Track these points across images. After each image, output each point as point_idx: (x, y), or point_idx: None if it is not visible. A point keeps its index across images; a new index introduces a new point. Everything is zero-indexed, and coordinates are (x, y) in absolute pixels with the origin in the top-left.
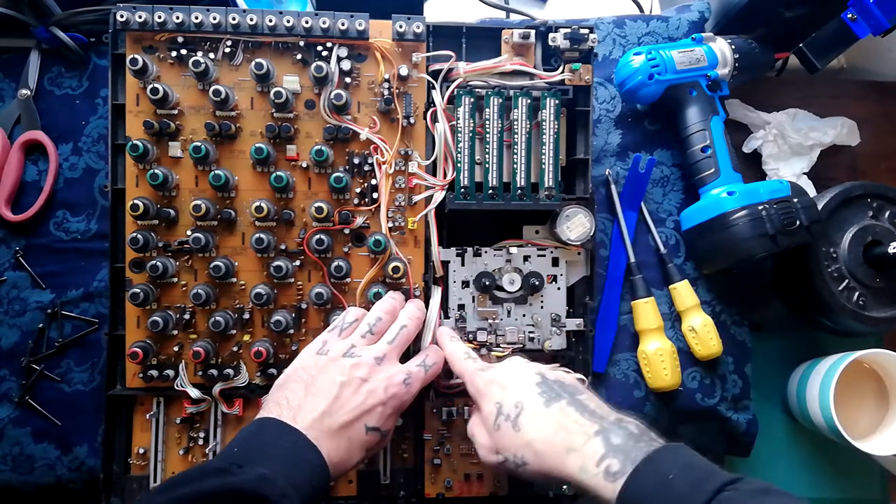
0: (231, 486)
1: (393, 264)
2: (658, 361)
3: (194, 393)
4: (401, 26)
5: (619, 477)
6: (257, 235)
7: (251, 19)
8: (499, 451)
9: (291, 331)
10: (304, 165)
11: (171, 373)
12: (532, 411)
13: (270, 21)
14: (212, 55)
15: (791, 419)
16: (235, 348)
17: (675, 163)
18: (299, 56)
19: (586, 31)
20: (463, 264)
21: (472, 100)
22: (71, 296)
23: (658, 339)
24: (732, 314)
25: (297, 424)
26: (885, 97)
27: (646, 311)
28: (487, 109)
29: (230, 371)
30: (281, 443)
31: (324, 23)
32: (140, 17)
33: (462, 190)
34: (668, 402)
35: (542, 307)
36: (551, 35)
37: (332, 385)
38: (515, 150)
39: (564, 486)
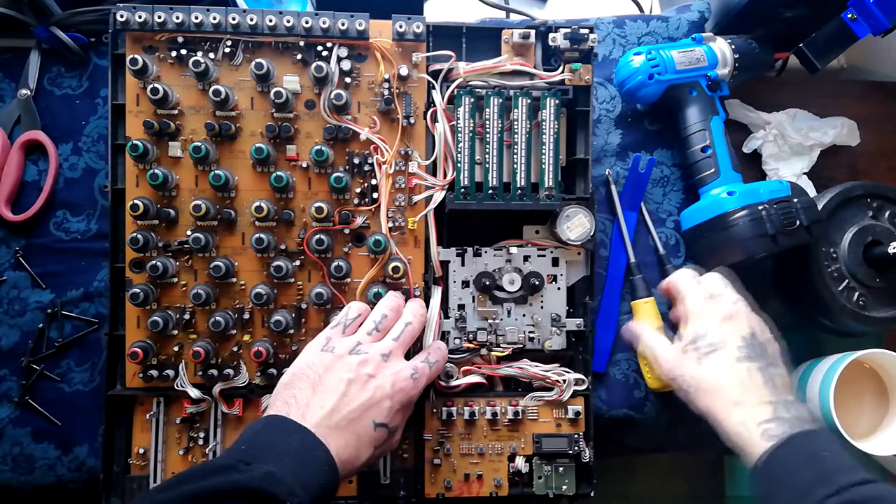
0: (238, 484)
1: (393, 264)
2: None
3: (194, 393)
4: (401, 26)
5: (774, 439)
6: (257, 235)
7: (251, 19)
8: (674, 370)
9: (291, 331)
10: (304, 165)
11: (171, 373)
12: (722, 358)
13: (270, 21)
14: (212, 55)
15: None
16: (235, 348)
17: (675, 163)
18: (299, 56)
19: (586, 31)
20: (463, 264)
21: (472, 100)
22: (71, 296)
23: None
24: None
25: (306, 422)
26: (885, 97)
27: (646, 311)
28: (487, 109)
29: (230, 371)
30: (289, 440)
31: (324, 23)
32: (140, 17)
33: (462, 190)
34: (668, 402)
35: (542, 307)
36: (551, 35)
37: (340, 382)
38: (515, 150)
39: (564, 486)
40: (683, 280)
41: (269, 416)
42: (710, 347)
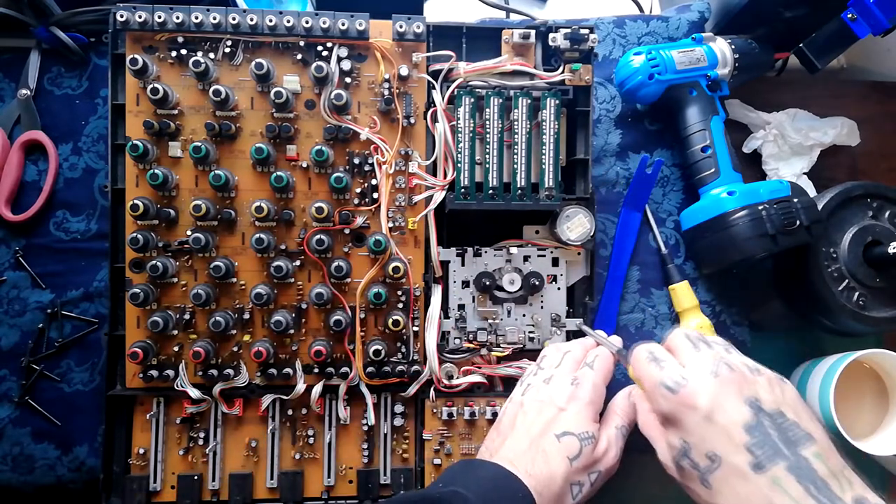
0: (425, 495)
1: (393, 264)
2: None
3: (194, 393)
4: (401, 26)
5: None
6: (257, 235)
7: (251, 19)
8: (680, 484)
9: (291, 331)
10: (304, 165)
11: (171, 373)
12: (731, 474)
13: (270, 21)
14: (212, 55)
15: None
16: (235, 348)
17: (675, 163)
18: (299, 56)
19: (586, 31)
20: (463, 264)
21: (472, 100)
22: (71, 296)
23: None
24: (732, 314)
25: (493, 459)
26: (885, 97)
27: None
28: (487, 109)
29: (230, 371)
30: (475, 471)
31: (324, 23)
32: (140, 17)
33: (462, 190)
34: None
35: (542, 307)
36: (551, 35)
37: (513, 417)
38: (515, 150)
39: None
40: (638, 366)
41: (462, 460)
42: (710, 462)
